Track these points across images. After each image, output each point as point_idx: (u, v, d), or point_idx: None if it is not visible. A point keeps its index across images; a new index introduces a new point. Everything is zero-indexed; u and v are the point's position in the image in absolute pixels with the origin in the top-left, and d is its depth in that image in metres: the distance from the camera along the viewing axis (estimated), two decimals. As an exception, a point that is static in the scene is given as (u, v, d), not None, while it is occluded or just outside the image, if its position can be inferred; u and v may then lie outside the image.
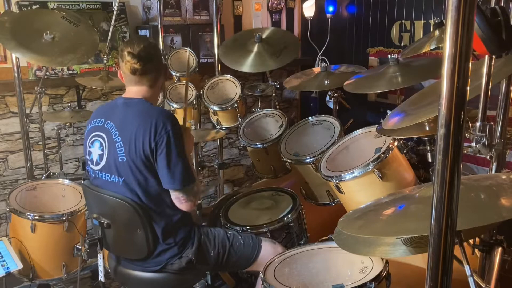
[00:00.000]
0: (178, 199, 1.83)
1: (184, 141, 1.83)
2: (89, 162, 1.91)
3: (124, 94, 1.91)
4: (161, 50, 1.89)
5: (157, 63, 1.88)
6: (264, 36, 3.01)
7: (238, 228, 2.11)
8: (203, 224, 2.11)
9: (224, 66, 3.20)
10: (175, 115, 3.00)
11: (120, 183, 1.80)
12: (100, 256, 1.94)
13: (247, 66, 2.93)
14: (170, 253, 1.86)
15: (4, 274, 2.14)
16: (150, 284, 1.92)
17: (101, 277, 1.97)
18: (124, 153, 1.77)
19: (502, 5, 1.33)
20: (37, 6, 3.00)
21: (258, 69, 2.97)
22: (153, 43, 1.92)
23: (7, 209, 2.36)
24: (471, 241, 1.42)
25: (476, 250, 1.46)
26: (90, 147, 1.89)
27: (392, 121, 1.75)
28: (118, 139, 1.79)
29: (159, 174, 1.79)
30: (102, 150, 1.83)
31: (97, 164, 1.86)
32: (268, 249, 1.97)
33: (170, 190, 1.81)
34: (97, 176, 1.88)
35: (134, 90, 1.88)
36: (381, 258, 1.58)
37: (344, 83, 2.50)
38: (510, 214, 0.97)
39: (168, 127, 1.76)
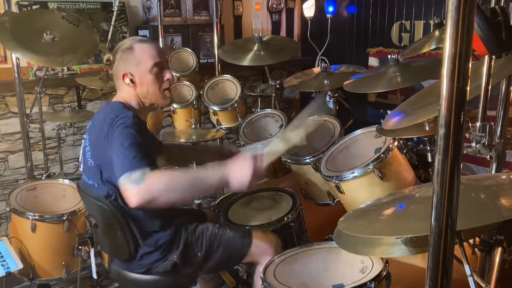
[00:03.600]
0: (125, 190, 1.54)
1: (138, 130, 1.64)
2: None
3: None
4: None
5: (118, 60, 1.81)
6: (264, 39, 3.03)
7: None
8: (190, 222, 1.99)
9: (224, 66, 3.20)
10: (174, 115, 3.04)
11: (96, 186, 1.76)
12: (91, 253, 1.93)
13: (247, 61, 2.94)
14: (155, 256, 1.80)
15: (4, 274, 2.14)
16: (140, 285, 1.89)
17: (94, 274, 1.97)
18: (91, 157, 1.75)
19: (502, 5, 1.33)
20: (37, 6, 3.00)
21: (257, 63, 2.98)
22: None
23: (7, 209, 2.36)
24: (471, 241, 1.42)
25: (476, 250, 1.46)
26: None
27: (392, 121, 1.75)
28: (87, 143, 1.78)
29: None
30: (83, 153, 1.83)
31: (80, 166, 1.88)
32: (259, 238, 1.92)
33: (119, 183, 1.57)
34: (82, 177, 1.87)
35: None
36: (381, 258, 1.58)
37: (344, 83, 2.50)
38: (510, 214, 0.97)
39: (117, 118, 1.66)
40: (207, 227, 1.92)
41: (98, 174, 1.73)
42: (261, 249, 1.85)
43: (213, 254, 1.87)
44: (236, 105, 2.81)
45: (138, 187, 1.50)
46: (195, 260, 1.85)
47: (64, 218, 2.33)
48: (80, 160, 1.88)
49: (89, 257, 2.23)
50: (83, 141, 1.85)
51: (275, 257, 1.77)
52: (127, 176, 1.52)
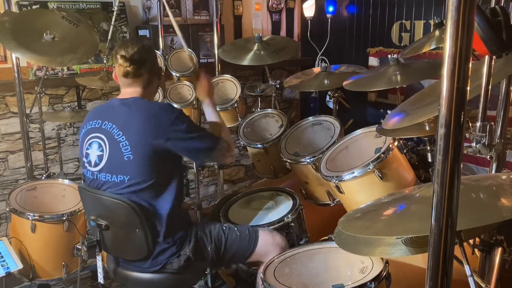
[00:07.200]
0: (219, 157, 1.98)
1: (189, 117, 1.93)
2: (86, 164, 1.90)
3: (119, 96, 1.93)
4: (159, 51, 1.93)
5: (150, 66, 1.89)
6: (264, 39, 3.03)
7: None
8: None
9: (224, 66, 3.20)
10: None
11: (126, 182, 1.79)
12: (98, 258, 1.93)
13: (247, 60, 2.94)
14: (169, 252, 1.86)
15: (4, 274, 2.14)
16: (149, 285, 1.92)
17: (101, 279, 1.96)
18: (130, 151, 1.78)
19: (502, 5, 1.33)
20: (37, 6, 3.00)
21: (257, 62, 2.98)
22: (147, 46, 1.91)
23: (7, 209, 2.36)
24: (471, 241, 1.42)
25: (476, 250, 1.46)
26: (87, 149, 1.89)
27: (392, 121, 1.75)
28: (122, 138, 1.79)
29: (191, 158, 2.02)
30: (102, 150, 1.83)
31: (96, 165, 1.86)
32: (266, 238, 1.96)
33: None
34: (95, 177, 1.87)
35: (129, 91, 1.90)
36: (381, 258, 1.58)
37: (343, 83, 2.50)
38: (510, 214, 0.97)
39: (172, 117, 1.80)
40: (215, 224, 2.00)
41: (138, 168, 1.78)
42: (266, 249, 1.87)
43: (221, 250, 1.94)
44: (236, 105, 2.81)
45: (230, 151, 1.99)
46: (206, 255, 1.93)
47: (64, 218, 2.33)
48: (94, 159, 1.86)
49: (89, 257, 2.22)
50: (101, 140, 1.84)
51: (275, 257, 1.77)
52: (218, 149, 1.93)
